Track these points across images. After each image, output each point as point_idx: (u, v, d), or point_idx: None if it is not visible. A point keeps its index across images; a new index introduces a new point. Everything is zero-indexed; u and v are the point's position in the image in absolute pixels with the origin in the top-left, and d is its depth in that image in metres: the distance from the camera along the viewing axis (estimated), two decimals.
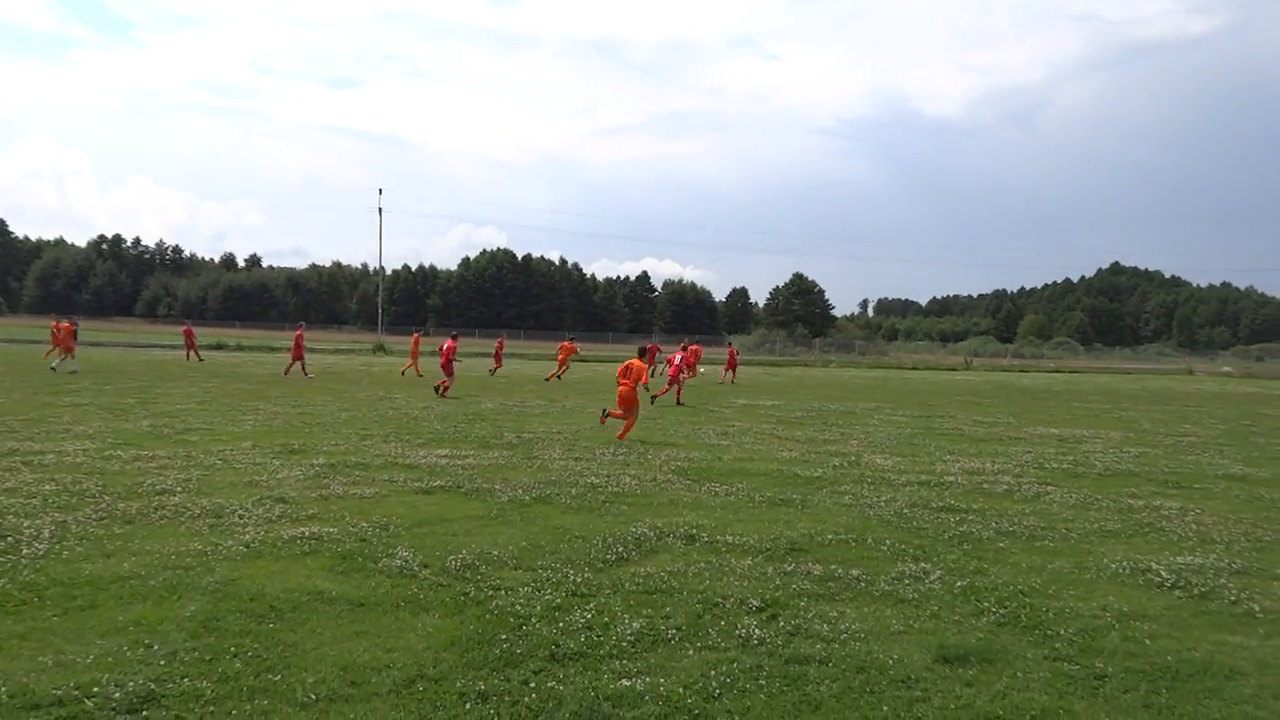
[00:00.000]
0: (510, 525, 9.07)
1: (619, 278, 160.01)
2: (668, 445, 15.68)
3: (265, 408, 19.97)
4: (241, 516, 8.99)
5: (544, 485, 11.25)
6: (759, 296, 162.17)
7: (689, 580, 7.26)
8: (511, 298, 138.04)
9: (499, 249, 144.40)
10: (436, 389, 25.58)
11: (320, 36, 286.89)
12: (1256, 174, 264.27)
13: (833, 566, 7.78)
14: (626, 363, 17.06)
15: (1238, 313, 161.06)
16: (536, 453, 14.18)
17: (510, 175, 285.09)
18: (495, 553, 7.91)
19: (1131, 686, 5.40)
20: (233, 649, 5.56)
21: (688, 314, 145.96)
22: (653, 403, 23.92)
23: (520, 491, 10.78)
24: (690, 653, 5.71)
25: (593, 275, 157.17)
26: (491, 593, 6.79)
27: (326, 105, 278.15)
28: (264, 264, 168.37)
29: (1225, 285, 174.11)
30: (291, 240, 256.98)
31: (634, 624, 6.14)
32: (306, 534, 8.33)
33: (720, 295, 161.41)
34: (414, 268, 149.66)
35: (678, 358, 25.69)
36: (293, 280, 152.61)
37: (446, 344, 26.16)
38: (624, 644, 5.80)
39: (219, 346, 55.72)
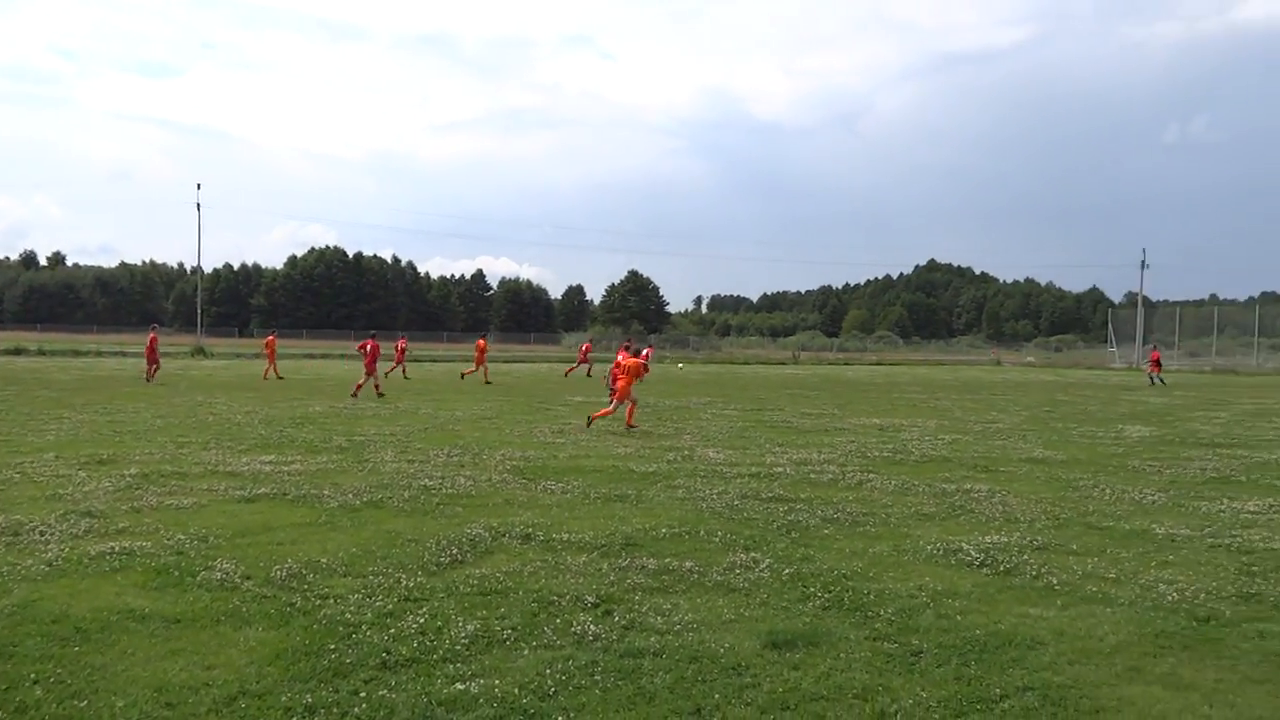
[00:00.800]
0: (340, 531, 8.81)
1: (454, 276, 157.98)
2: (503, 445, 15.56)
3: (71, 416, 18.71)
4: (43, 533, 8.39)
5: (375, 489, 10.98)
6: (595, 294, 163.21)
7: (525, 580, 7.23)
8: (342, 297, 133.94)
9: (328, 247, 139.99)
10: (356, 393, 25.66)
11: (128, 20, 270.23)
12: (1055, 177, 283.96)
13: (667, 560, 7.90)
14: (618, 361, 19.26)
15: (1039, 306, 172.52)
16: (368, 456, 13.82)
17: (339, 171, 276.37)
18: (324, 560, 7.66)
19: (944, 660, 5.71)
20: (32, 675, 5.19)
21: (524, 312, 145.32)
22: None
23: (350, 496, 10.48)
24: (526, 652, 5.69)
25: (427, 274, 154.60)
26: (319, 602, 6.58)
27: (138, 94, 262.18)
28: (69, 262, 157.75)
29: (1029, 281, 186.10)
30: (99, 237, 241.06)
31: (469, 626, 6.07)
32: (116, 549, 7.85)
33: (556, 293, 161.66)
34: (236, 266, 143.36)
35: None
36: (101, 280, 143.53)
37: (369, 344, 26.34)
38: (458, 647, 5.73)
39: (17, 351, 51.79)
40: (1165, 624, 6.50)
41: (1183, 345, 76.28)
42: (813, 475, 12.89)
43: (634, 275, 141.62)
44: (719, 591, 7.06)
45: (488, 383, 33.75)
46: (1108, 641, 6.12)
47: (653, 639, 5.95)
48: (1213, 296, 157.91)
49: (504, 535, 8.68)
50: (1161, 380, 43.64)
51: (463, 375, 35.93)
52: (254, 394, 26.30)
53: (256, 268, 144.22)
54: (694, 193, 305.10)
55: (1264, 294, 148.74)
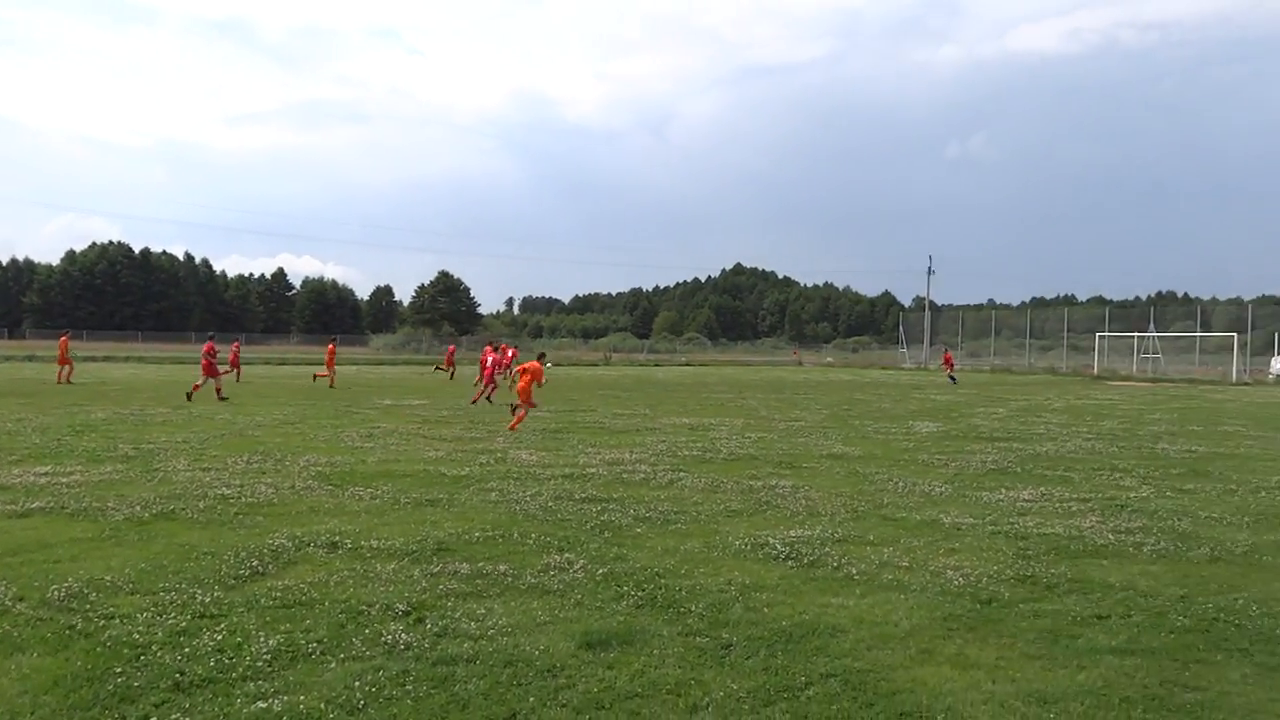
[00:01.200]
0: (126, 546, 8.23)
1: (253, 275, 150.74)
2: (308, 450, 14.97)
3: None
4: None
5: (167, 500, 10.33)
6: (404, 295, 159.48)
7: (331, 590, 6.97)
8: (128, 296, 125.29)
9: (112, 242, 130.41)
10: (190, 395, 25.41)
11: None
12: (851, 186, 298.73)
13: (480, 564, 7.80)
14: (524, 365, 19.90)
15: (837, 309, 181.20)
16: (158, 465, 12.99)
17: (123, 160, 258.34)
18: (108, 578, 7.14)
19: (753, 652, 5.89)
20: None
21: (329, 313, 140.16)
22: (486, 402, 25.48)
23: (138, 508, 9.81)
24: (333, 665, 5.48)
25: (223, 272, 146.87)
26: (104, 623, 6.12)
27: None
28: None
29: (828, 285, 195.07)
30: None
31: (270, 641, 5.79)
32: None
33: (364, 293, 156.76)
34: (5, 262, 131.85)
35: (489, 359, 26.73)
36: None
37: (208, 347, 26.83)
38: (260, 664, 5.45)
39: None
40: (953, 607, 6.93)
41: (965, 346, 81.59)
42: (625, 475, 13.03)
43: (444, 276, 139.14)
44: (533, 594, 7.02)
45: (332, 387, 33.03)
46: (902, 626, 6.47)
47: (466, 645, 5.86)
48: (990, 301, 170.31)
49: (309, 544, 8.34)
50: (953, 379, 46.74)
51: (315, 378, 35.57)
52: (26, 400, 24.26)
53: (29, 263, 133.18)
54: (506, 193, 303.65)
55: (1034, 299, 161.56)
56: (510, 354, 29.56)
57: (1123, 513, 10.93)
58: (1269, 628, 6.59)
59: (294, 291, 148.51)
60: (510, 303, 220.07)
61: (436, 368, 48.11)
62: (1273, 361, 54.80)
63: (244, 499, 10.49)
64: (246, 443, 15.83)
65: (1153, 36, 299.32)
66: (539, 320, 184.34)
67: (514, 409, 19.62)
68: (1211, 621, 6.71)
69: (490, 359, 26.82)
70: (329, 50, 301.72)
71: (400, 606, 6.56)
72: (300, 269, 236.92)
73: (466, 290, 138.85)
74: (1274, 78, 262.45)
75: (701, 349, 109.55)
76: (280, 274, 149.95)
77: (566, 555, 8.18)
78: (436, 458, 14.39)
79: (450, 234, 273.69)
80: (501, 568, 7.68)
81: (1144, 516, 10.71)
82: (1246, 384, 48.29)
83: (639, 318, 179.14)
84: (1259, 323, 64.56)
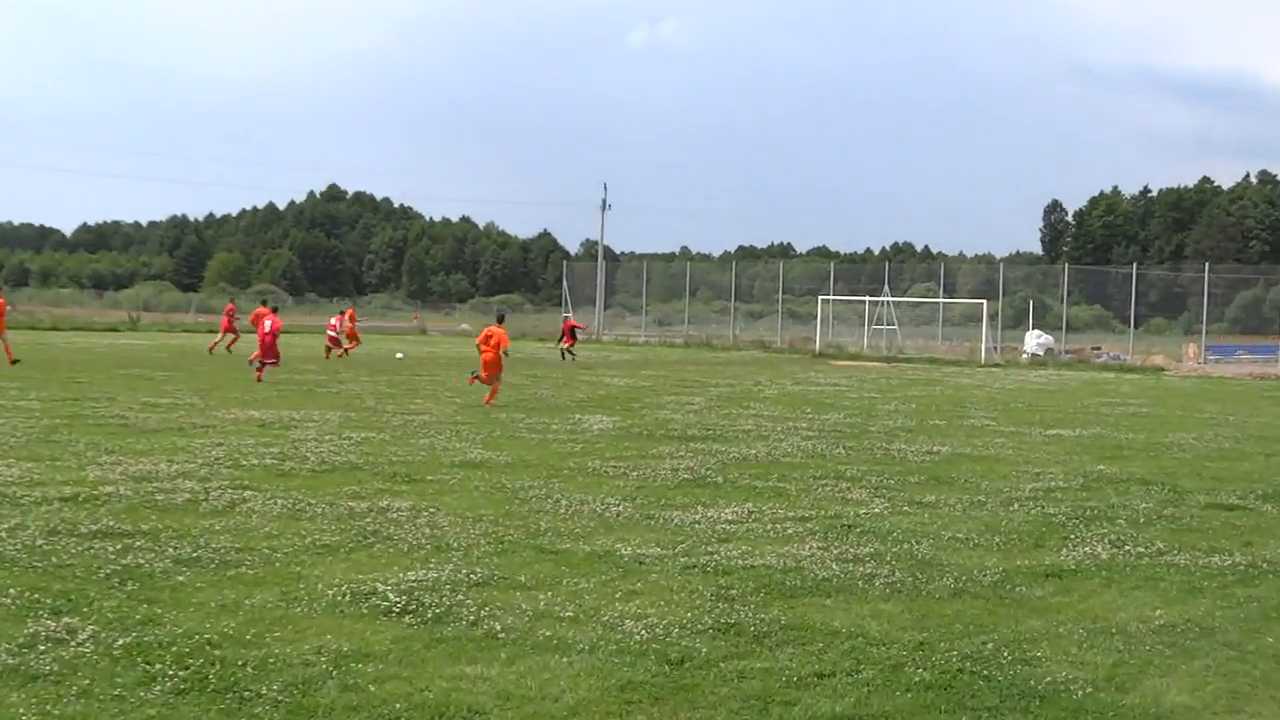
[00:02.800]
0: None
1: None
2: None
3: None
4: None
5: None
6: None
7: None
8: None
9: None
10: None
11: None
12: (497, 83, 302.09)
13: None
14: (486, 330, 25.39)
15: (477, 255, 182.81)
16: None
17: None
18: None
19: None
20: None
21: None
22: None
23: None
24: None
25: None
26: None
27: None
28: None
29: (465, 221, 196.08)
30: None
31: None
32: None
33: None
34: None
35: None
36: None
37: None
38: None
39: None
40: (633, 672, 7.21)
41: (652, 310, 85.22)
42: (160, 496, 12.53)
43: None
44: (11, 682, 6.55)
45: None
46: (564, 701, 6.64)
47: None
48: (685, 249, 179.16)
49: None
50: (572, 355, 47.17)
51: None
52: None
53: None
54: None
55: (741, 249, 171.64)
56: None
57: (850, 535, 11.87)
58: (1022, 678, 7.39)
59: None
60: None
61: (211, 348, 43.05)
62: (1027, 337, 61.37)
63: None
64: None
65: None
66: (22, 260, 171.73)
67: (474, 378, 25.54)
68: (955, 674, 7.44)
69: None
70: None
71: None
72: None
73: None
74: None
75: (280, 308, 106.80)
76: None
77: (66, 620, 7.73)
78: None
79: None
80: None
81: (876, 540, 11.68)
82: (997, 365, 53.81)
83: (183, 261, 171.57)
84: (1011, 286, 72.54)
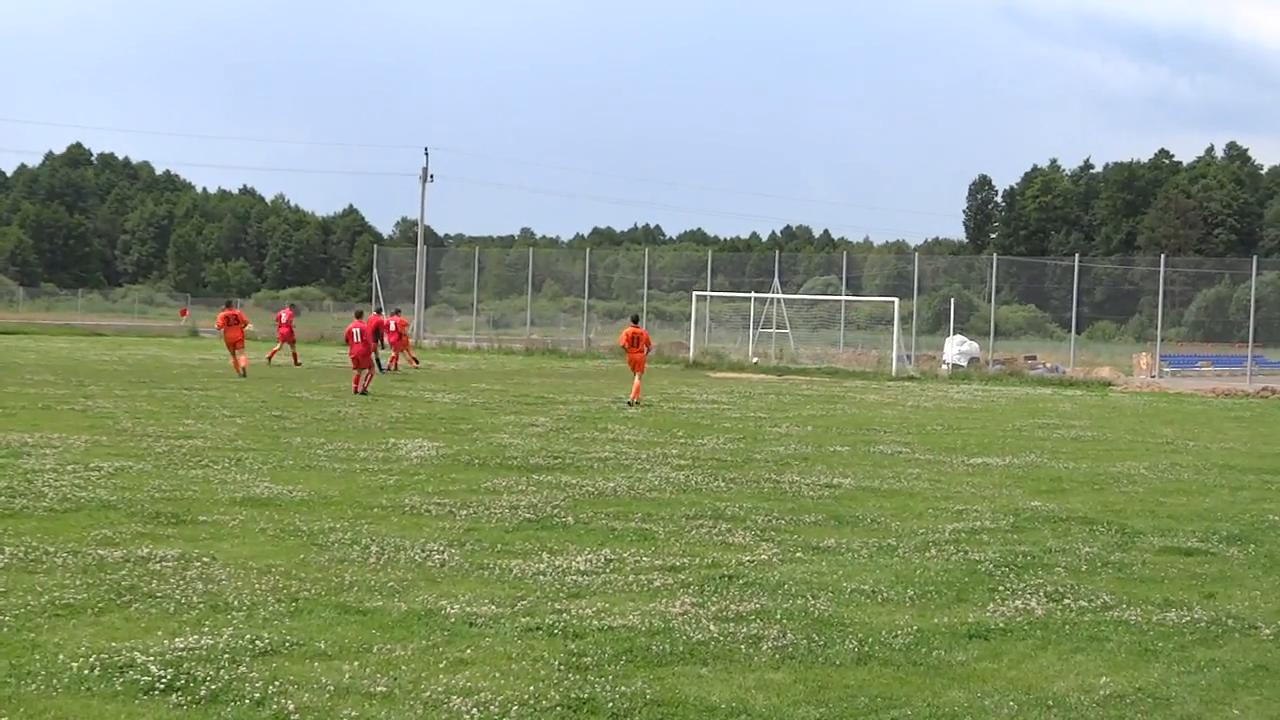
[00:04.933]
0: None
1: None
2: None
3: None
4: None
5: None
6: None
7: None
8: None
9: None
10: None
11: None
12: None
13: None
14: (628, 331, 33.02)
15: (264, 236, 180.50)
16: None
17: None
18: None
19: None
20: None
21: None
22: None
23: None
24: None
25: None
26: None
27: None
28: None
29: (248, 193, 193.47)
30: None
31: None
32: None
33: None
34: None
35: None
36: None
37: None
38: None
39: None
40: None
41: (485, 308, 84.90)
42: None
43: None
44: None
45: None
46: None
47: None
48: (527, 232, 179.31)
49: None
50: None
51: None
52: None
53: None
54: None
55: (596, 233, 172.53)
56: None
57: (731, 588, 11.95)
58: None
59: None
60: None
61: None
62: (947, 344, 62.16)
63: None
64: None
65: None
66: None
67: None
68: None
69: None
70: None
71: None
72: None
73: None
74: None
75: (9, 302, 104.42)
76: None
77: None
78: None
79: None
80: None
81: (763, 593, 11.78)
82: (911, 378, 54.49)
83: None
84: (928, 281, 73.80)
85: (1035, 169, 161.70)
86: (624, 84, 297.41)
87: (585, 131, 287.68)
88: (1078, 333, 63.90)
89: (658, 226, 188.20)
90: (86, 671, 8.49)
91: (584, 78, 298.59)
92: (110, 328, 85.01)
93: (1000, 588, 12.36)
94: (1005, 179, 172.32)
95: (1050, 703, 8.74)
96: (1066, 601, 11.80)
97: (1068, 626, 10.94)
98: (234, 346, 42.00)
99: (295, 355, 49.74)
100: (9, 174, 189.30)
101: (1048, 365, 60.47)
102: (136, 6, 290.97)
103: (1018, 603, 11.68)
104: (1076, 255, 74.01)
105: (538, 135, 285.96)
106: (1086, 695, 8.94)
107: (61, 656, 8.81)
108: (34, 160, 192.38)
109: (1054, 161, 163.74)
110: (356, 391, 33.85)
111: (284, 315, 51.83)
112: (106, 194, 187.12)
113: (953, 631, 10.66)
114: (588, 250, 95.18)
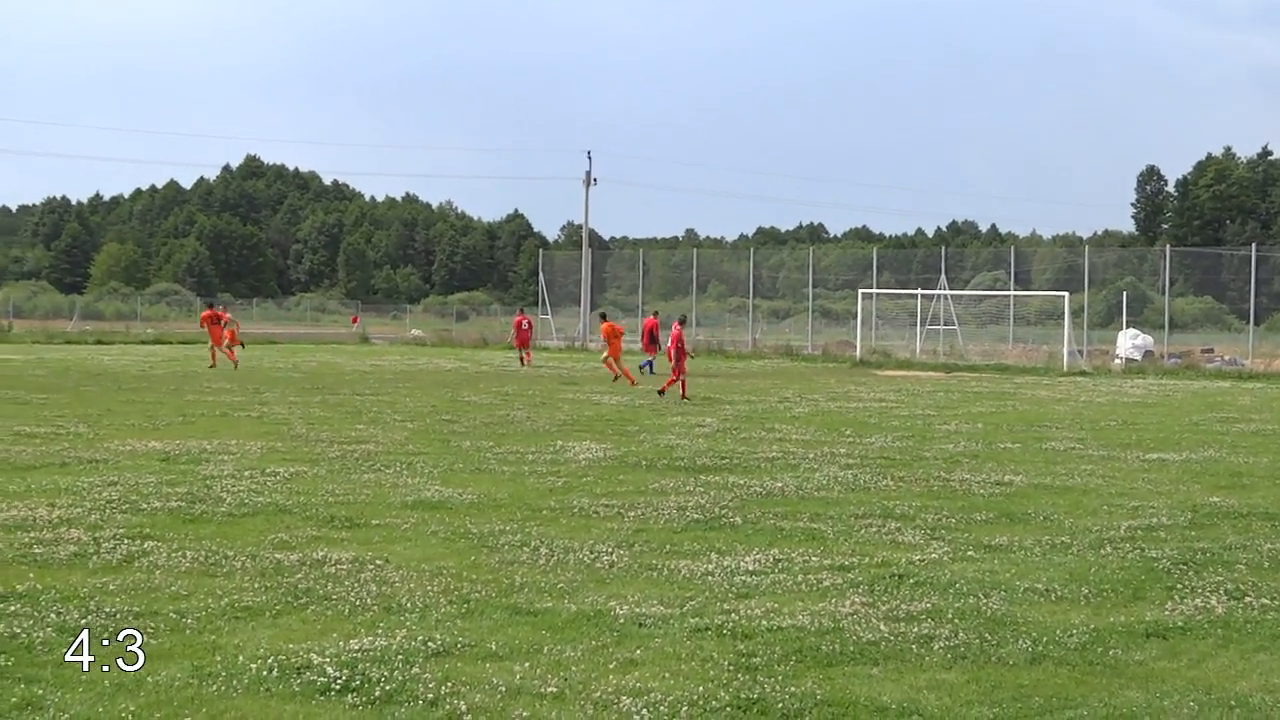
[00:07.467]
0: None
1: None
2: None
3: None
4: None
5: None
6: None
7: None
8: None
9: None
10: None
11: None
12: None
13: None
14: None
15: (431, 241, 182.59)
16: None
17: None
18: None
19: None
20: None
21: None
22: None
23: None
24: None
25: None
26: None
27: None
28: None
29: (411, 200, 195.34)
30: None
31: None
32: None
33: None
34: None
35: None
36: None
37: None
38: None
39: None
40: None
41: (651, 307, 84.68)
42: (39, 549, 12.55)
43: None
44: None
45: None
46: None
47: None
48: (691, 233, 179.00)
49: None
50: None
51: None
52: None
53: None
54: None
55: (760, 232, 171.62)
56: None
57: (901, 588, 11.85)
58: None
59: None
60: None
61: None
62: (1120, 338, 60.84)
63: None
64: None
65: None
66: None
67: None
68: None
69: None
70: None
71: None
72: None
73: None
74: None
75: (186, 313, 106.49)
76: None
77: None
78: None
79: None
80: None
81: (934, 593, 11.66)
82: (1083, 373, 53.50)
83: (63, 254, 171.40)
84: (1099, 274, 72.40)
85: (1209, 157, 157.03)
86: (785, 83, 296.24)
87: (747, 131, 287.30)
88: (1256, 324, 62.03)
89: (821, 224, 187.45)
90: (265, 673, 8.63)
91: (744, 77, 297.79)
92: (284, 335, 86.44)
93: (1179, 585, 12.08)
94: (1174, 168, 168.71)
95: (1233, 703, 8.53)
96: (1248, 599, 11.50)
97: (1250, 625, 10.67)
98: (217, 343, 46.78)
99: (528, 356, 52.71)
100: (186, 187, 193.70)
101: (1225, 358, 58.77)
102: (299, 17, 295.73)
103: (1197, 601, 11.41)
104: (1254, 245, 71.93)
105: (700, 136, 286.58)
106: (1271, 695, 8.72)
107: (241, 658, 8.97)
108: (212, 173, 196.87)
109: (1228, 149, 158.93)
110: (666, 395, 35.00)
111: (525, 321, 54.64)
112: (279, 204, 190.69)
113: (1129, 630, 10.46)
114: (751, 250, 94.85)
